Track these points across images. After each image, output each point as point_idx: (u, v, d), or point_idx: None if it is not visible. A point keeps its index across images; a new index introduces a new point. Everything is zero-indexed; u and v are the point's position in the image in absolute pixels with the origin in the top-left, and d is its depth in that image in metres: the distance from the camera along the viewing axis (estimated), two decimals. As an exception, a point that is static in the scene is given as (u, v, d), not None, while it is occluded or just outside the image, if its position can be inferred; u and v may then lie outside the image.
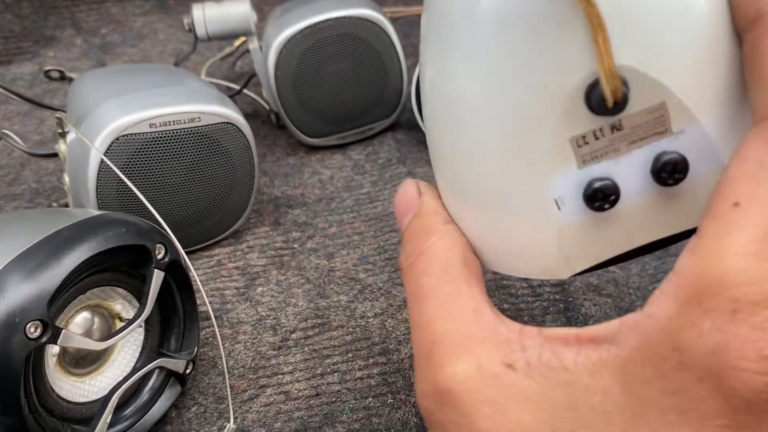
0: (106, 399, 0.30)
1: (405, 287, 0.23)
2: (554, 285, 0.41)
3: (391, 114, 0.57)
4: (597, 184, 0.20)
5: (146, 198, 0.34)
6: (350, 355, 0.37)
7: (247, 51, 0.61)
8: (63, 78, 0.71)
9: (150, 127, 0.40)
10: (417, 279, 0.22)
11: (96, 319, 0.32)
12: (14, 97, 0.48)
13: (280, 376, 0.36)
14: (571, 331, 0.18)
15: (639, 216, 0.20)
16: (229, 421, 0.33)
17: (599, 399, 0.17)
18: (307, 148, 0.58)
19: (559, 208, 0.20)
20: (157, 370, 0.33)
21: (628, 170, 0.20)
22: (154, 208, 0.34)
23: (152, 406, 0.33)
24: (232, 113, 0.43)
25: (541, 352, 0.18)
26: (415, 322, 0.22)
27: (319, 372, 0.36)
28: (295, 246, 0.46)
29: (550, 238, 0.21)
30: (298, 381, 0.36)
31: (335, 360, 0.37)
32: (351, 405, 0.34)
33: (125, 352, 0.33)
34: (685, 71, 0.19)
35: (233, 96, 0.60)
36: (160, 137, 0.40)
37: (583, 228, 0.20)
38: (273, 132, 0.60)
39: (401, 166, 0.55)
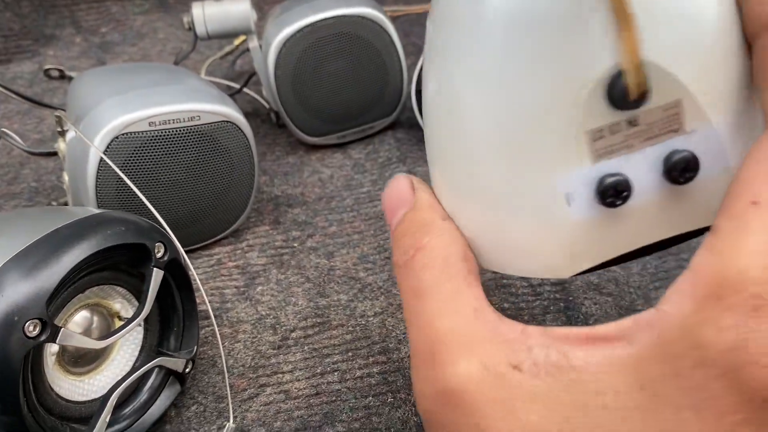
0: (105, 398, 0.30)
1: (400, 283, 0.22)
2: (554, 284, 0.41)
3: (391, 113, 0.57)
4: (610, 180, 0.19)
5: (146, 197, 0.34)
6: (350, 354, 0.37)
7: (247, 50, 0.61)
8: (62, 77, 0.71)
9: (149, 125, 0.40)
10: (416, 274, 0.21)
11: (95, 318, 0.31)
12: (14, 95, 0.47)
13: (280, 375, 0.36)
14: (581, 331, 0.18)
15: (647, 214, 0.20)
16: (228, 421, 0.33)
17: (611, 398, 0.17)
18: (307, 146, 0.58)
19: (569, 204, 0.20)
20: (156, 369, 0.33)
21: (640, 167, 0.20)
22: (154, 206, 0.34)
23: (151, 405, 0.33)
24: (231, 112, 0.43)
25: (549, 352, 0.18)
26: (413, 320, 0.21)
27: (319, 371, 0.36)
28: (295, 245, 0.46)
29: (557, 235, 0.20)
30: (298, 380, 0.36)
31: (335, 359, 0.37)
32: (351, 404, 0.34)
33: (124, 351, 0.33)
34: (701, 70, 0.19)
35: (233, 95, 0.60)
36: (160, 136, 0.40)
37: (591, 225, 0.20)
38: (273, 131, 0.60)
39: (401, 165, 0.55)
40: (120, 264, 0.31)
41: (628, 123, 0.19)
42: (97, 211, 0.31)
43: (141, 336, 0.33)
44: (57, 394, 0.30)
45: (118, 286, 0.32)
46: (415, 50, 0.70)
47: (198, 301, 0.35)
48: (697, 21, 0.19)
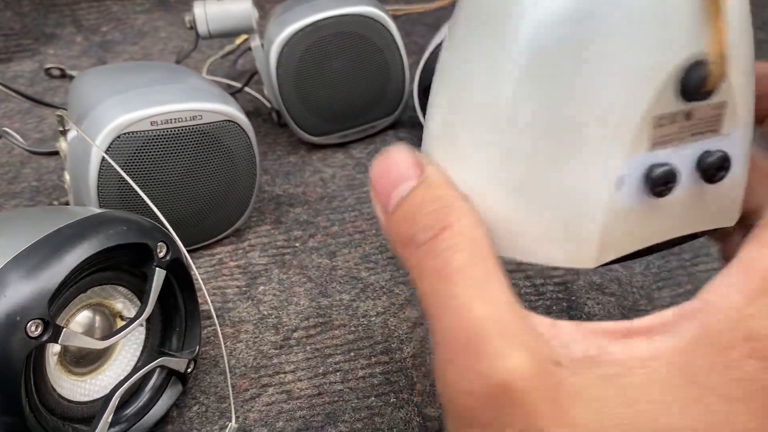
0: (107, 398, 0.30)
1: (417, 264, 0.19)
2: (557, 284, 0.41)
3: (393, 112, 0.57)
4: (661, 169, 0.20)
5: (147, 196, 0.33)
6: (352, 354, 0.37)
7: (249, 49, 0.61)
8: (63, 76, 0.71)
9: (151, 124, 0.40)
10: (443, 254, 0.19)
11: (97, 318, 0.31)
12: (14, 94, 0.47)
13: (282, 375, 0.36)
14: (618, 324, 0.18)
15: (677, 209, 0.21)
16: (230, 421, 0.33)
17: (657, 391, 0.17)
18: (308, 146, 0.57)
19: (618, 189, 0.20)
20: (158, 369, 0.33)
21: (683, 161, 0.20)
22: (156, 206, 0.33)
23: (153, 406, 0.33)
24: (233, 111, 0.43)
25: (587, 347, 0.18)
26: (441, 304, 0.18)
27: (321, 371, 0.36)
28: (297, 245, 0.46)
29: (593, 222, 0.20)
30: (300, 380, 0.36)
31: (337, 359, 0.37)
32: (353, 404, 0.34)
33: (126, 351, 0.32)
34: (747, 77, 0.20)
35: (234, 94, 0.60)
36: (162, 135, 0.40)
37: (629, 213, 0.20)
38: (274, 130, 0.60)
39: (403, 164, 0.54)
40: (122, 264, 0.31)
41: (685, 115, 0.20)
42: (99, 210, 0.31)
43: (143, 336, 0.33)
44: (59, 395, 0.29)
45: (120, 285, 0.32)
46: (417, 49, 0.70)
47: (200, 300, 0.35)
48: (749, 29, 0.20)
